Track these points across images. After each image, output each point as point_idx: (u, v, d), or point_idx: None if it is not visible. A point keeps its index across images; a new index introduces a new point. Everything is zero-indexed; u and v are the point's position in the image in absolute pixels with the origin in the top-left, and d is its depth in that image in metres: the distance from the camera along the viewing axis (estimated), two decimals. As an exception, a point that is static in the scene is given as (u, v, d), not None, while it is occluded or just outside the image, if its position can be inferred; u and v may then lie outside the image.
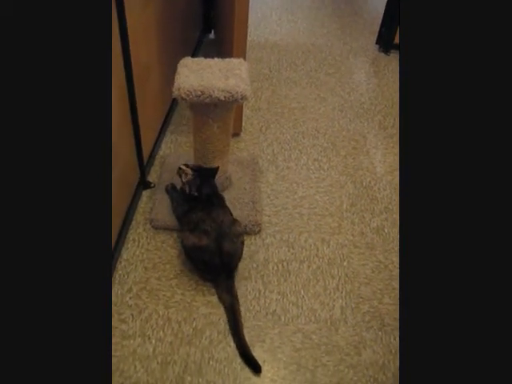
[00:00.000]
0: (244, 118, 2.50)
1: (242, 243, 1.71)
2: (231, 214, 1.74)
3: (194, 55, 2.98)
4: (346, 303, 1.70)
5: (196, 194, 1.72)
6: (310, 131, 2.53)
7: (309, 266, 1.82)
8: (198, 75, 1.67)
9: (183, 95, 1.61)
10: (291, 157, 2.35)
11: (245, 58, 2.07)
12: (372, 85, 3.00)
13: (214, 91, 1.60)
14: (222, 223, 1.63)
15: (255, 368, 1.48)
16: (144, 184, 2.09)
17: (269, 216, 2.01)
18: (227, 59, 1.80)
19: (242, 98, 1.63)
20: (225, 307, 1.64)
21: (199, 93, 1.60)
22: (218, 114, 1.72)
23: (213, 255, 1.61)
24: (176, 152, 2.32)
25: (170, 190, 1.96)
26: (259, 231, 1.93)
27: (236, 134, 2.41)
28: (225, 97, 1.61)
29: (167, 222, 1.88)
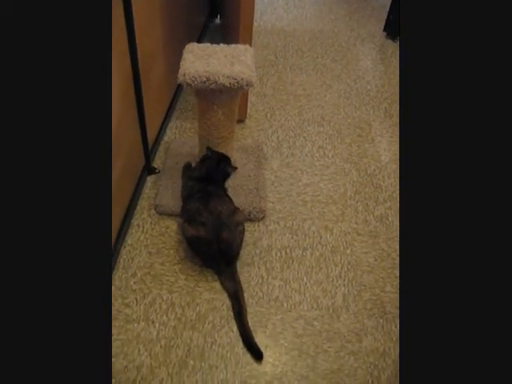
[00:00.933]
0: (249, 105, 2.49)
1: (242, 232, 1.71)
2: (232, 204, 1.73)
3: (199, 40, 2.96)
4: (348, 291, 1.71)
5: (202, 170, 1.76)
6: (315, 118, 2.52)
7: (312, 254, 1.83)
8: (204, 61, 1.66)
9: (188, 81, 1.60)
10: (296, 144, 2.34)
11: (251, 45, 2.06)
12: (379, 72, 2.98)
13: (219, 77, 1.59)
14: (221, 214, 1.63)
15: (257, 355, 1.50)
16: (149, 169, 2.10)
17: (273, 203, 2.02)
18: (233, 45, 1.79)
19: (247, 85, 1.62)
20: (228, 294, 1.65)
21: (204, 79, 1.60)
22: (223, 100, 1.71)
23: (211, 246, 1.61)
24: (181, 138, 2.32)
25: (184, 168, 1.97)
26: (263, 218, 1.94)
27: (241, 121, 2.41)
28: (230, 83, 1.60)
29: (171, 208, 1.89)
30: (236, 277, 1.67)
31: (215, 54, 1.72)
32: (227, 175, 1.80)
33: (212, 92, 1.66)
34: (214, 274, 1.72)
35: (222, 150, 1.86)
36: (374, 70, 2.99)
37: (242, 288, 1.65)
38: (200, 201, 1.66)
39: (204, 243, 1.62)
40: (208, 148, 1.83)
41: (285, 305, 1.66)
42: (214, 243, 1.61)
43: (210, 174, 1.75)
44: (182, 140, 2.27)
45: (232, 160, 1.98)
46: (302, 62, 2.99)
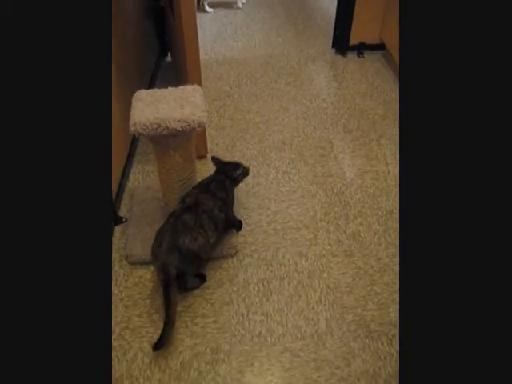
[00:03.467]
0: (209, 139, 2.50)
1: (189, 261, 1.65)
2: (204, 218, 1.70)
3: (152, 81, 2.97)
4: (330, 315, 1.71)
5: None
6: (276, 144, 2.54)
7: (289, 282, 1.82)
8: (153, 107, 1.67)
9: (140, 130, 1.60)
10: (260, 172, 2.35)
11: (200, 79, 2.08)
12: (333, 89, 3.03)
13: (170, 122, 1.60)
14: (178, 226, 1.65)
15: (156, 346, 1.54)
16: (115, 219, 2.07)
17: (244, 236, 2.01)
18: (181, 87, 1.80)
19: (199, 126, 1.63)
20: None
21: (156, 126, 1.60)
22: (178, 143, 1.71)
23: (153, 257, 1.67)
24: (144, 182, 2.31)
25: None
26: (236, 253, 1.93)
27: (202, 157, 2.41)
28: (182, 127, 1.61)
29: (143, 256, 1.87)
30: (171, 302, 1.58)
31: (164, 98, 1.72)
32: (234, 180, 1.90)
33: (166, 137, 1.66)
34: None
35: (186, 191, 1.85)
36: (328, 87, 3.04)
37: (174, 311, 1.60)
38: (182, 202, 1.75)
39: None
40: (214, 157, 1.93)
41: (269, 339, 1.64)
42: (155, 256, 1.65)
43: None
44: (145, 185, 2.25)
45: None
46: (256, 89, 3.02)
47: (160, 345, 1.55)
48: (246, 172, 1.94)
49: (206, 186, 1.80)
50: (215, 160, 1.91)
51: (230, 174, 1.87)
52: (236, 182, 1.91)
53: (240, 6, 4.15)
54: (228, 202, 1.80)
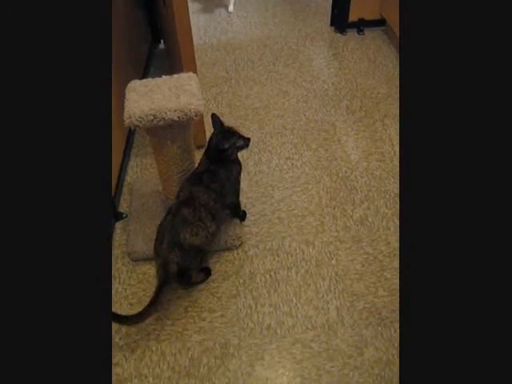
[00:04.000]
0: (207, 128, 2.47)
1: (191, 258, 1.64)
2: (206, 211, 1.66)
3: (146, 69, 2.94)
4: (340, 304, 1.70)
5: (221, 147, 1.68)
6: (277, 129, 2.52)
7: (297, 272, 1.81)
8: (148, 98, 1.64)
9: (135, 122, 1.58)
10: (262, 159, 2.33)
11: (195, 66, 2.05)
12: (333, 69, 2.99)
13: (166, 113, 1.58)
14: (178, 220, 1.63)
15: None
16: (116, 216, 2.06)
17: (248, 226, 2.00)
18: (175, 75, 1.77)
19: (196, 115, 1.61)
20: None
21: (151, 117, 1.58)
22: (175, 134, 1.69)
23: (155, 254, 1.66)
24: (143, 176, 2.29)
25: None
26: (241, 244, 1.92)
27: (201, 146, 2.39)
28: (178, 117, 1.59)
29: (146, 252, 1.86)
30: (155, 301, 1.57)
31: (158, 88, 1.70)
32: (222, 152, 1.69)
33: (162, 128, 1.64)
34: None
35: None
36: (328, 67, 3.00)
37: (153, 310, 1.59)
38: (182, 191, 1.70)
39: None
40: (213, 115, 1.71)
41: (278, 331, 1.63)
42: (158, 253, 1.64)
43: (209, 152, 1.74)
44: (144, 178, 2.24)
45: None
46: (254, 73, 2.99)
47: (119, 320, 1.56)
48: (242, 144, 1.72)
49: (198, 177, 1.71)
50: (215, 120, 1.71)
51: (218, 144, 1.68)
52: (225, 155, 1.70)
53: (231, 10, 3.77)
54: (224, 192, 1.74)
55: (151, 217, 1.96)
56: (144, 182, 2.18)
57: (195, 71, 2.04)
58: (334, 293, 1.73)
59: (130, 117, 1.58)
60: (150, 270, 1.85)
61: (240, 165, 1.81)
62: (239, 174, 1.81)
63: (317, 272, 1.81)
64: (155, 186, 2.11)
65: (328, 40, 3.29)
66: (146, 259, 1.87)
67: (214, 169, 1.71)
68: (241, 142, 1.72)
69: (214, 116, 1.70)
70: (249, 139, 1.74)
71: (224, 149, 1.68)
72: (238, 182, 1.84)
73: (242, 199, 2.06)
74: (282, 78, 2.92)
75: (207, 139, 2.35)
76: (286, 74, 2.95)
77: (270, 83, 2.88)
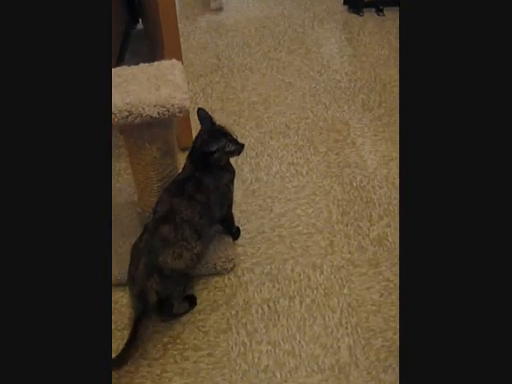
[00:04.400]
0: (194, 126, 2.48)
1: (173, 284, 1.66)
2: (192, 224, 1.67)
3: (120, 55, 2.95)
4: (353, 341, 1.70)
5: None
6: (279, 128, 2.54)
7: (301, 302, 1.82)
8: (122, 90, 1.65)
9: (107, 119, 1.59)
10: (260, 165, 2.34)
11: (179, 51, 2.07)
12: (347, 56, 3.01)
13: (143, 108, 1.59)
14: (156, 239, 1.63)
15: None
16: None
17: (242, 246, 2.00)
18: (156, 63, 1.78)
19: (180, 111, 1.62)
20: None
21: (126, 113, 1.59)
22: (155, 134, 1.70)
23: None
24: (116, 184, 2.30)
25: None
26: (233, 268, 1.92)
27: (186, 149, 2.39)
28: (159, 113, 1.60)
29: (117, 277, 1.86)
30: (137, 338, 1.60)
31: (135, 78, 1.71)
32: (207, 156, 1.68)
33: (139, 127, 1.65)
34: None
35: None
36: (340, 54, 3.03)
37: (134, 349, 1.61)
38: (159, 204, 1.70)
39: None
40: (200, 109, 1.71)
41: (278, 375, 1.64)
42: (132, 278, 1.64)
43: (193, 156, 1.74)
44: (117, 186, 2.25)
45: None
46: (251, 61, 3.01)
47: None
48: (232, 149, 1.71)
49: (180, 186, 1.70)
50: (203, 116, 1.71)
51: (203, 146, 1.67)
52: (211, 159, 1.68)
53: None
54: (210, 204, 1.74)
55: (124, 233, 1.96)
56: (116, 190, 2.19)
57: (180, 57, 2.05)
58: (346, 328, 1.73)
59: (101, 112, 1.58)
60: (122, 299, 1.85)
61: (232, 172, 1.82)
62: (231, 182, 1.81)
63: (325, 302, 1.81)
64: (130, 196, 2.12)
65: (341, 21, 3.32)
66: (118, 285, 1.87)
67: (200, 176, 1.70)
68: (231, 147, 1.70)
69: (200, 111, 1.70)
70: (242, 145, 1.73)
71: (210, 152, 1.67)
72: (231, 192, 1.84)
73: (236, 213, 2.07)
74: (285, 67, 2.94)
75: (193, 137, 2.37)
76: (290, 62, 2.98)
77: (271, 73, 2.91)
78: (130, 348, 1.57)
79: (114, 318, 1.80)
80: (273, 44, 3.15)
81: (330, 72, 2.89)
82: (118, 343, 1.71)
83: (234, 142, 1.71)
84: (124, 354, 1.56)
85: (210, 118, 1.71)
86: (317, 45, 3.12)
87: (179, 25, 2.08)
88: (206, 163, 1.70)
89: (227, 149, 1.70)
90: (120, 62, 2.88)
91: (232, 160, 1.82)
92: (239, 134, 2.41)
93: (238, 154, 1.74)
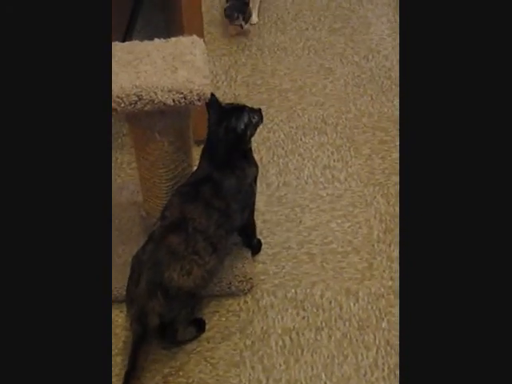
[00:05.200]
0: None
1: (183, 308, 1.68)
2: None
3: (130, 27, 2.96)
4: (391, 387, 1.69)
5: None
6: (314, 123, 2.53)
7: (330, 336, 1.81)
8: (132, 70, 1.66)
9: (112, 104, 1.59)
10: (288, 166, 2.33)
11: (201, 24, 2.07)
12: (400, 40, 2.99)
13: (156, 93, 1.59)
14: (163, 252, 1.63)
15: None
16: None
17: (263, 263, 2.00)
18: (173, 39, 1.78)
19: (199, 99, 1.62)
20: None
21: (135, 98, 1.59)
22: (167, 124, 1.71)
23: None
24: (117, 179, 2.31)
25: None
26: (250, 289, 1.92)
27: (203, 141, 2.39)
28: (174, 100, 1.60)
29: (113, 292, 1.86)
30: (137, 366, 1.62)
31: (148, 56, 1.71)
32: (239, 140, 1.71)
33: (150, 115, 1.66)
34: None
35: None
36: (392, 37, 3.01)
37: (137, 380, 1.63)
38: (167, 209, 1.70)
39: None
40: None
41: (298, 421, 1.63)
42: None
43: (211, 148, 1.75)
44: (118, 183, 2.26)
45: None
46: (285, 39, 3.01)
47: None
48: (257, 119, 1.74)
49: (194, 189, 1.71)
50: (214, 102, 1.71)
51: (235, 128, 1.67)
52: (244, 142, 1.73)
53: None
54: (230, 212, 1.74)
55: (124, 240, 1.97)
56: (118, 189, 2.20)
57: (201, 32, 2.05)
58: (383, 370, 1.72)
59: (105, 96, 1.59)
60: (118, 318, 1.86)
61: (256, 166, 1.82)
62: (255, 180, 1.81)
63: (359, 338, 1.80)
64: (133, 196, 2.12)
65: (395, -2, 3.30)
66: (113, 301, 1.87)
67: (219, 178, 1.70)
68: (255, 117, 1.73)
69: (212, 97, 1.69)
70: (259, 110, 1.76)
71: (242, 131, 1.68)
72: (254, 194, 1.84)
73: (257, 223, 2.07)
74: (326, 49, 2.93)
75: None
76: (332, 44, 2.97)
77: (308, 55, 2.90)
78: (131, 380, 1.57)
79: (106, 339, 1.80)
80: (312, 20, 3.13)
81: (378, 58, 2.87)
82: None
83: (252, 109, 1.73)
84: None
85: (219, 104, 1.72)
86: (365, 24, 3.09)
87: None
88: (234, 155, 1.72)
89: (253, 120, 1.72)
90: (129, 36, 2.88)
91: (255, 158, 1.82)
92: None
93: (262, 121, 1.77)
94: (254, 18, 3.15)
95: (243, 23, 2.92)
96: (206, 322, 1.83)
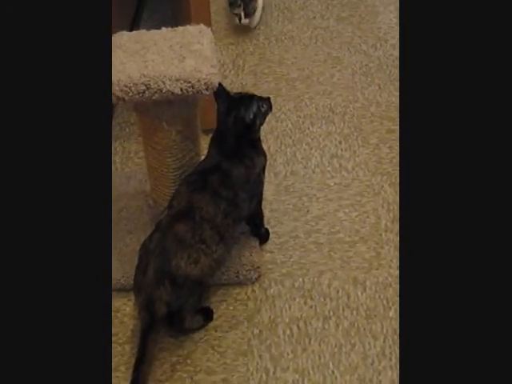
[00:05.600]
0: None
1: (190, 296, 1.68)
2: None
3: (137, 15, 2.95)
4: (397, 376, 1.69)
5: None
6: (322, 112, 2.53)
7: (337, 324, 1.81)
8: (140, 59, 1.66)
9: (119, 93, 1.60)
10: (296, 156, 2.33)
11: (209, 13, 2.08)
12: (408, 29, 2.97)
13: (164, 83, 1.59)
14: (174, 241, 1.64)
15: None
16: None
17: (271, 252, 2.00)
18: (180, 28, 1.79)
19: (207, 88, 1.62)
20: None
21: (143, 87, 1.59)
22: (175, 113, 1.71)
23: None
24: (125, 168, 2.32)
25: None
26: (258, 278, 1.92)
27: (210, 130, 2.39)
28: (182, 89, 1.60)
29: (121, 281, 1.87)
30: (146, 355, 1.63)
31: (155, 45, 1.72)
32: (249, 129, 1.72)
33: (157, 105, 1.66)
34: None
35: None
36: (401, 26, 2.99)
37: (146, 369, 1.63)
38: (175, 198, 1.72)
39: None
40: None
41: (305, 410, 1.64)
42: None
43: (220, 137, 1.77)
44: (126, 172, 2.27)
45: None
46: (292, 28, 3.00)
47: None
48: (266, 108, 1.76)
49: (202, 178, 1.71)
50: (221, 91, 1.72)
51: (244, 118, 1.68)
52: (253, 131, 1.75)
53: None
54: (238, 201, 1.74)
55: (132, 229, 1.98)
56: (125, 178, 2.20)
57: (208, 21, 2.05)
58: (390, 359, 1.73)
59: (113, 85, 1.59)
60: (124, 307, 1.87)
61: (265, 155, 1.82)
62: (264, 169, 1.82)
63: (366, 326, 1.80)
64: (141, 185, 2.13)
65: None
66: (121, 290, 1.88)
67: (228, 167, 1.70)
68: (264, 106, 1.74)
69: (219, 86, 1.69)
70: (268, 98, 1.77)
71: (251, 121, 1.68)
72: (262, 183, 1.84)
73: (265, 212, 2.07)
74: (333, 38, 2.92)
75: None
76: (340, 33, 2.96)
77: (315, 44, 2.89)
78: (141, 366, 1.58)
79: (114, 329, 1.81)
80: (319, 9, 3.12)
81: (386, 47, 2.86)
82: (117, 359, 1.74)
83: (260, 98, 1.74)
84: (137, 379, 1.58)
85: (227, 93, 1.72)
86: (373, 13, 3.08)
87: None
88: (243, 144, 1.73)
89: (262, 109, 1.73)
90: (136, 25, 2.88)
91: (264, 148, 1.82)
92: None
93: (271, 110, 1.78)
94: (255, 20, 2.96)
95: (243, 14, 2.80)
96: (214, 310, 1.84)
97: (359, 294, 1.89)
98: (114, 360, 1.73)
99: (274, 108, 2.36)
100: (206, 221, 1.65)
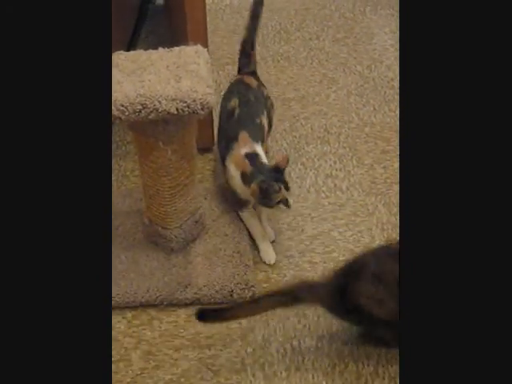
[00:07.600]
0: (216, 124, 2.49)
1: None
2: None
3: (134, 36, 2.97)
4: (391, 395, 1.69)
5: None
6: (317, 132, 2.54)
7: (331, 344, 1.81)
8: (136, 79, 1.68)
9: (116, 112, 1.61)
10: (291, 175, 2.34)
11: (205, 34, 2.10)
12: (403, 50, 3.00)
13: (160, 102, 1.60)
14: None
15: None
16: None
17: (265, 271, 2.01)
18: (177, 49, 1.81)
19: (203, 108, 1.63)
20: None
21: (139, 107, 1.61)
22: (171, 133, 1.72)
23: None
24: (121, 186, 2.32)
25: None
26: (252, 296, 1.92)
27: (206, 150, 2.41)
28: (177, 108, 1.61)
29: (115, 298, 1.87)
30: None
31: (152, 65, 1.73)
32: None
33: (153, 124, 1.67)
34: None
35: (181, 203, 1.86)
36: (395, 47, 3.02)
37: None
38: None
39: None
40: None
41: (299, 430, 1.64)
42: None
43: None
44: (122, 190, 2.27)
45: (197, 214, 1.97)
46: (288, 49, 3.02)
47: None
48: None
49: None
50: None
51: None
52: None
53: None
54: None
55: (127, 247, 1.98)
56: (121, 196, 2.21)
57: (205, 42, 2.07)
58: (383, 378, 1.73)
59: (109, 104, 1.61)
60: (119, 324, 1.86)
61: None
62: None
63: (360, 346, 1.80)
64: (136, 203, 2.13)
65: (398, 8, 3.31)
66: (115, 308, 1.88)
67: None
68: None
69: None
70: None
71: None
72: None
73: (259, 231, 2.08)
74: (329, 59, 2.95)
75: (216, 141, 2.39)
76: (335, 54, 2.98)
77: (311, 65, 2.92)
78: (246, 307, 1.76)
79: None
80: (315, 30, 3.15)
81: (381, 68, 2.88)
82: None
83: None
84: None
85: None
86: (368, 34, 3.11)
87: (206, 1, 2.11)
88: None
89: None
90: (134, 45, 2.91)
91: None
92: (269, 138, 2.43)
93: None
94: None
95: (286, 193, 1.96)
96: (208, 329, 1.83)
97: (353, 313, 1.89)
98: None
99: (269, 128, 2.39)
100: None
